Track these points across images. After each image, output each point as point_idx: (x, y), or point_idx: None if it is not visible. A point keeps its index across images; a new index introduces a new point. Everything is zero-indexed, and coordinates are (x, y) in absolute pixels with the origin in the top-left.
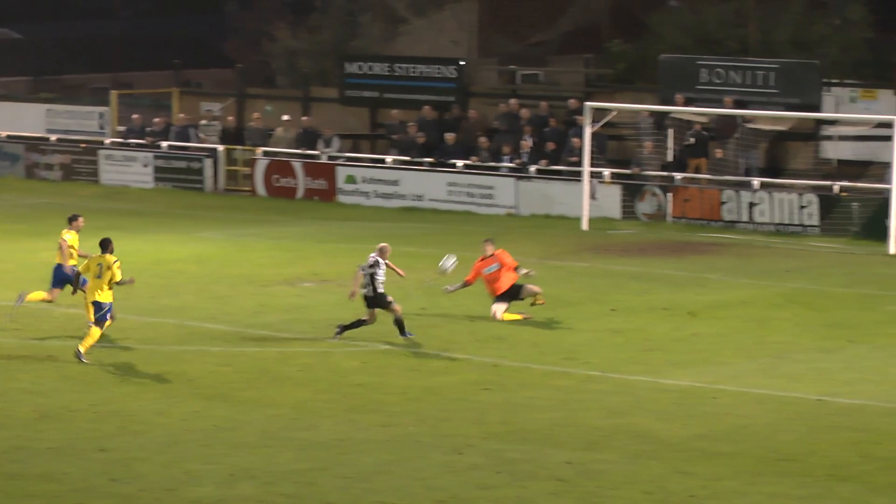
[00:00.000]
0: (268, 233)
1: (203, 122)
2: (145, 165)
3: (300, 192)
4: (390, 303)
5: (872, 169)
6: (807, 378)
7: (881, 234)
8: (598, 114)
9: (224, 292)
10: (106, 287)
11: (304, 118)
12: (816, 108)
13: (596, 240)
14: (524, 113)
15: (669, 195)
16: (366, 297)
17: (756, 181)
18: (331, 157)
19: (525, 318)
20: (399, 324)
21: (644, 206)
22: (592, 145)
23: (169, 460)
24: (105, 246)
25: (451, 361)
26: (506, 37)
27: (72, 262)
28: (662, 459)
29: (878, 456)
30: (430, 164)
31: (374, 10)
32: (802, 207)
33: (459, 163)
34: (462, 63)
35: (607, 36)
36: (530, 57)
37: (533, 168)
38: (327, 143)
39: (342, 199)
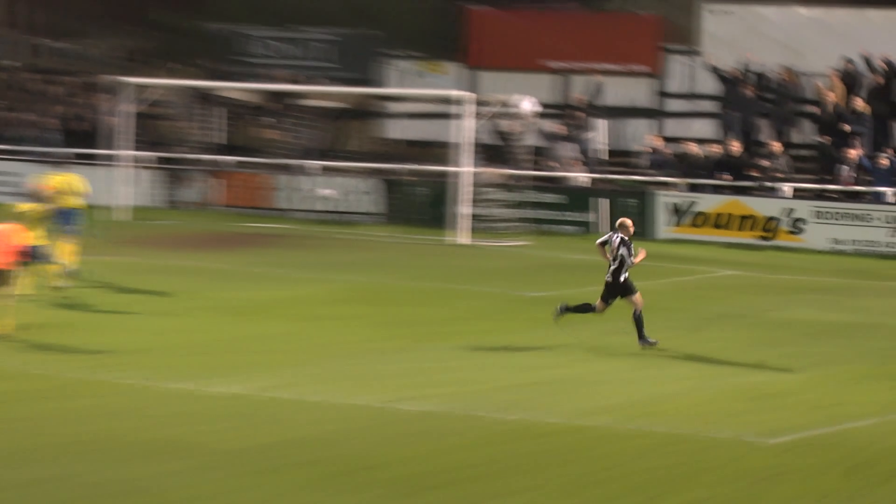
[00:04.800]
0: None
1: None
2: None
3: None
4: (635, 292)
5: (439, 150)
6: (374, 382)
7: (449, 222)
8: (137, 91)
9: None
10: None
11: None
12: (378, 83)
13: (136, 231)
14: (51, 89)
15: (217, 181)
16: (614, 281)
17: (314, 165)
18: None
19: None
20: (638, 322)
21: (188, 193)
22: (130, 126)
23: None
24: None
25: None
26: (39, 7)
27: None
28: (220, 471)
29: (456, 465)
30: None
31: None
32: (365, 193)
33: None
34: None
35: (150, 7)
36: (65, 29)
37: (65, 151)
38: None
39: None
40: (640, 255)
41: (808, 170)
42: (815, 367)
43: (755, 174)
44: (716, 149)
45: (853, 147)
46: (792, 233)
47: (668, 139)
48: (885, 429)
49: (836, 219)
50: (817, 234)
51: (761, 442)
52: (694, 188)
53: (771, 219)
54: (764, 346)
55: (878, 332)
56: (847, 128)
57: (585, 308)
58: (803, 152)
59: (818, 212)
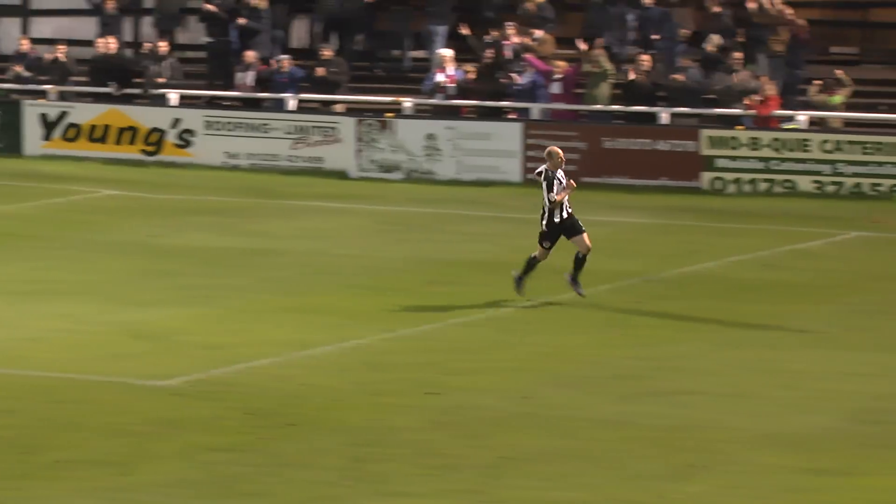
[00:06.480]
0: None
1: None
2: None
3: None
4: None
5: None
6: None
7: None
8: None
9: None
10: None
11: None
12: None
13: None
14: None
15: None
16: (548, 225)
17: None
18: None
19: None
20: (579, 264)
21: None
22: None
23: None
24: None
25: None
26: None
27: None
28: None
29: None
30: None
31: None
32: None
33: None
34: None
35: None
36: None
37: None
38: None
39: None
40: (562, 194)
41: (197, 74)
42: (208, 301)
43: (137, 80)
44: (93, 50)
45: (250, 49)
46: (179, 146)
47: (38, 41)
48: (284, 370)
49: (230, 130)
50: (208, 148)
51: (150, 385)
52: (66, 96)
53: (155, 130)
54: (150, 278)
55: (280, 258)
56: (243, 21)
57: (532, 264)
58: (192, 54)
59: (209, 122)
